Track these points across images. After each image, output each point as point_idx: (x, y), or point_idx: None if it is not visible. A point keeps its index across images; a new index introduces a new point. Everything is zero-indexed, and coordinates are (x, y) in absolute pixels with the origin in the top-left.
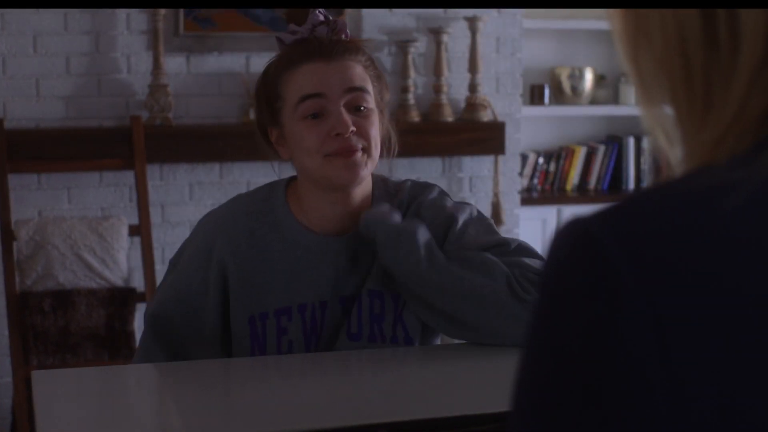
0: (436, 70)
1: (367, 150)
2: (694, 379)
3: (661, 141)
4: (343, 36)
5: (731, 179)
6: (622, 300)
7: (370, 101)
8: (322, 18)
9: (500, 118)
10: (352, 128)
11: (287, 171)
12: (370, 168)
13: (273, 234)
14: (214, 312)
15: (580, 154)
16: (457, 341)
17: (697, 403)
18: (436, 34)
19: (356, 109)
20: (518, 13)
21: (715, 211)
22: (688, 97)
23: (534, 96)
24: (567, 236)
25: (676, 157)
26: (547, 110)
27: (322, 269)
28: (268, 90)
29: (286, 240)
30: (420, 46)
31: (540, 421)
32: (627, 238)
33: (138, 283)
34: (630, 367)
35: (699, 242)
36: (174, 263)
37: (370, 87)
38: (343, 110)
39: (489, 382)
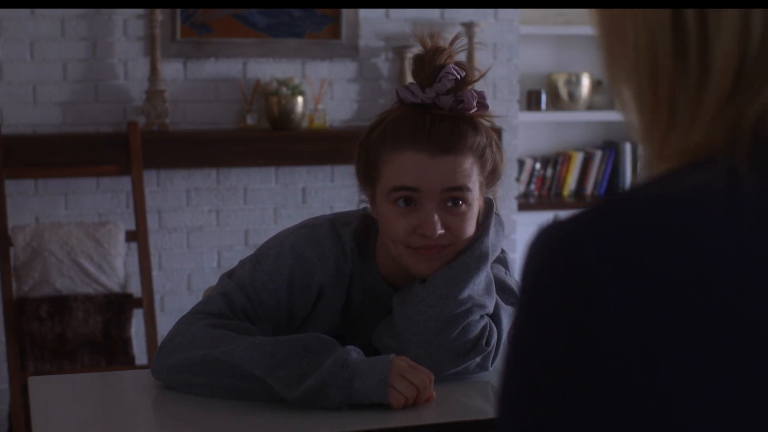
0: None
1: (454, 244)
2: (677, 382)
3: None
4: (468, 110)
5: (702, 182)
6: (602, 305)
7: (470, 196)
8: (449, 85)
9: (497, 124)
10: (441, 231)
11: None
12: (453, 255)
13: (357, 281)
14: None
15: (577, 159)
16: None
17: (680, 407)
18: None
19: (454, 203)
20: (515, 19)
21: (691, 214)
22: (652, 114)
23: (531, 102)
24: (545, 241)
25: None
26: (544, 116)
27: (379, 315)
28: (368, 155)
29: (367, 290)
30: (416, 51)
31: (524, 427)
32: (605, 242)
33: (135, 289)
34: (613, 372)
35: (677, 245)
36: (258, 260)
37: (474, 180)
38: (434, 211)
39: (483, 389)
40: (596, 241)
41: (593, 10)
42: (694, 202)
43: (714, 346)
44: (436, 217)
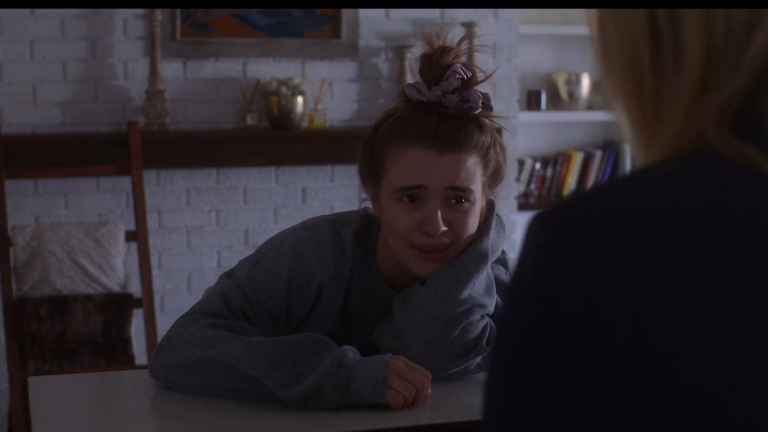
0: None
1: (455, 243)
2: (672, 349)
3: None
4: (474, 110)
5: (681, 168)
6: (598, 278)
7: (473, 195)
8: (456, 84)
9: (496, 124)
10: (444, 228)
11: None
12: (455, 255)
13: (357, 281)
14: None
15: (577, 159)
16: None
17: (673, 371)
18: None
19: (457, 200)
20: (515, 18)
21: (670, 195)
22: (640, 113)
23: (531, 101)
24: (528, 227)
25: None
26: (544, 116)
27: (379, 315)
28: (373, 151)
29: (367, 290)
30: (417, 51)
31: (508, 400)
32: (596, 223)
33: (135, 289)
34: (611, 344)
35: (658, 223)
36: (257, 260)
37: (477, 179)
38: (438, 209)
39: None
40: (589, 222)
41: (589, 11)
42: (671, 185)
43: (698, 308)
44: (439, 214)
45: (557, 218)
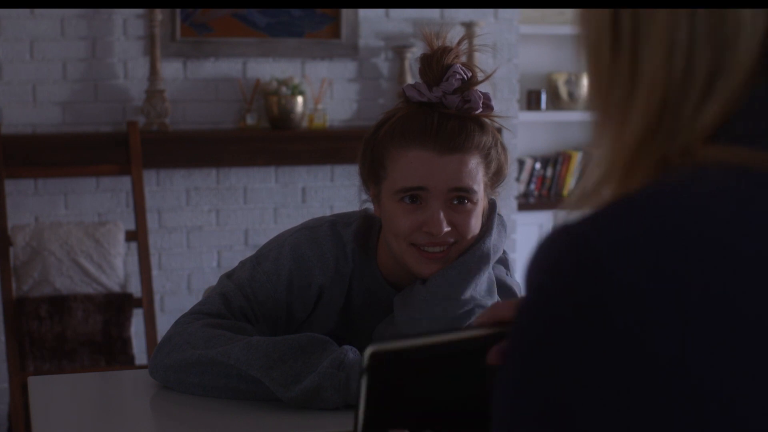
0: None
1: (458, 243)
2: (686, 381)
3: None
4: (475, 110)
5: (714, 184)
6: (612, 300)
7: (475, 196)
8: (457, 84)
9: (497, 124)
10: (447, 229)
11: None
12: (456, 255)
13: (357, 281)
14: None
15: (577, 159)
16: None
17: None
18: None
19: (459, 201)
20: (515, 18)
21: (705, 216)
22: (600, 111)
23: (531, 101)
24: (556, 240)
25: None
26: (544, 115)
27: (379, 315)
28: (374, 152)
29: (368, 290)
30: (417, 51)
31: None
32: (617, 240)
33: (135, 288)
34: (618, 367)
35: (688, 245)
36: (258, 261)
37: (479, 180)
38: (441, 210)
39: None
40: (609, 239)
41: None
42: (710, 203)
43: (729, 344)
44: (441, 215)
45: (587, 235)
